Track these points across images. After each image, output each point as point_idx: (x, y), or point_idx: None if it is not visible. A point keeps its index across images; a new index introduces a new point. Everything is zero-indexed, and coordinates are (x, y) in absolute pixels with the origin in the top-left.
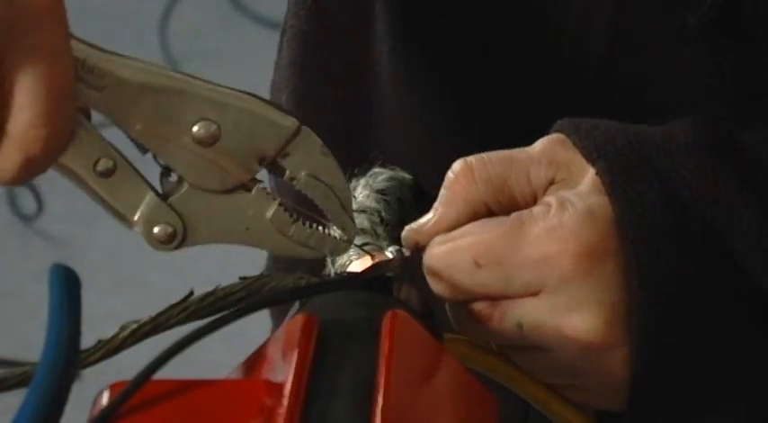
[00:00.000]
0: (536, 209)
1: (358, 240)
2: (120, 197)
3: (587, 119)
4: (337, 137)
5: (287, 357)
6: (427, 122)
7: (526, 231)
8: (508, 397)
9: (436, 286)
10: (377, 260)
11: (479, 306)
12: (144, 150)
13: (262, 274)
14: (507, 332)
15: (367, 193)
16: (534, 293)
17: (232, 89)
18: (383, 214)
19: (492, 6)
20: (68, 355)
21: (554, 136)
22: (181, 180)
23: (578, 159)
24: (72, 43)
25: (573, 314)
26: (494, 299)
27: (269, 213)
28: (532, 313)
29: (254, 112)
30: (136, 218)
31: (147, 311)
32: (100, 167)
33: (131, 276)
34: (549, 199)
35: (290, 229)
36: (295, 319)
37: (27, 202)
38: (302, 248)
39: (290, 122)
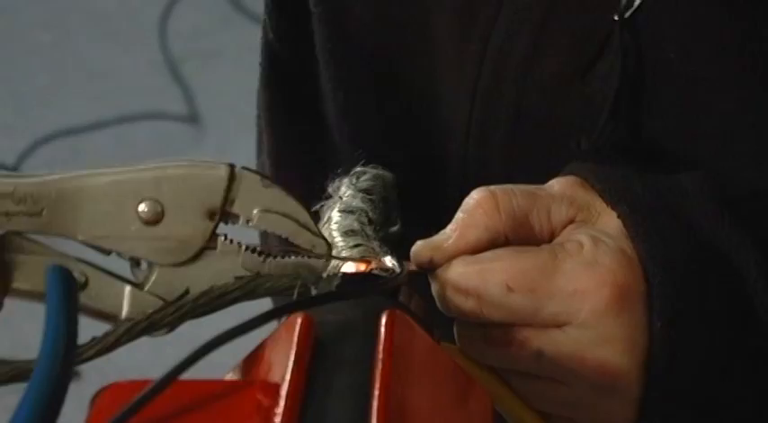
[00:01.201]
0: (568, 244)
1: (350, 241)
2: (102, 302)
3: (601, 166)
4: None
5: (284, 357)
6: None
7: (561, 264)
8: None
9: (461, 305)
10: (373, 264)
11: (499, 330)
12: (106, 252)
13: (257, 274)
14: (524, 359)
15: (352, 192)
16: (560, 325)
17: (159, 160)
18: (370, 214)
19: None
20: (66, 354)
21: (571, 178)
22: (151, 265)
23: (598, 202)
24: None
25: (599, 349)
26: (516, 325)
27: (240, 260)
28: (556, 345)
29: (185, 175)
30: (124, 315)
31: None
32: None
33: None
34: (580, 237)
35: (264, 268)
36: (292, 319)
37: None
38: (283, 280)
39: (222, 170)
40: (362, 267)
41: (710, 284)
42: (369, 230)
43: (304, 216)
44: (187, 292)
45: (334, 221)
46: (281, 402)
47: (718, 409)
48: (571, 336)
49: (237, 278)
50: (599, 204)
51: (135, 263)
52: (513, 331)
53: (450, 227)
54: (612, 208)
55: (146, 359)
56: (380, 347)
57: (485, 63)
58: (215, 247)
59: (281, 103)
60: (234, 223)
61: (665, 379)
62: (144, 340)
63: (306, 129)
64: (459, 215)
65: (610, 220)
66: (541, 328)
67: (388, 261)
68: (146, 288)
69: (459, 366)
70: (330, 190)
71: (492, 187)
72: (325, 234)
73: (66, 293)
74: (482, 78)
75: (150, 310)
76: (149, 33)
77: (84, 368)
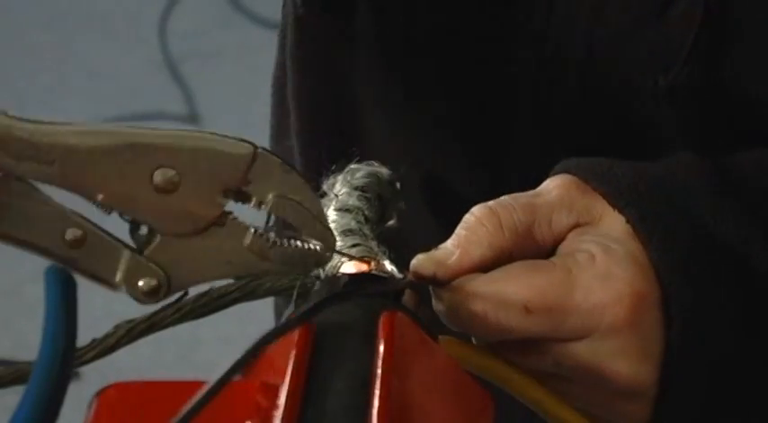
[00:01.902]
0: (579, 256)
1: (348, 241)
2: (96, 262)
3: (593, 159)
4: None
5: (283, 358)
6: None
7: (576, 279)
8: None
9: (477, 326)
10: (372, 266)
11: (517, 345)
12: (108, 210)
13: (257, 275)
14: (542, 367)
15: (347, 190)
16: (578, 338)
17: (180, 130)
18: (366, 212)
19: (474, 16)
20: (65, 355)
21: (566, 178)
22: (152, 231)
23: (598, 203)
24: (13, 123)
25: (618, 360)
26: (535, 340)
27: (246, 242)
28: (575, 357)
29: (207, 149)
30: (117, 279)
31: (144, 311)
32: (69, 238)
33: None
34: (590, 246)
35: (270, 253)
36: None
37: None
38: (287, 268)
39: (245, 149)
40: (364, 267)
41: (723, 282)
42: (366, 229)
43: (317, 207)
44: (186, 293)
45: (330, 220)
46: (281, 403)
47: (734, 406)
48: (589, 347)
49: (237, 278)
50: (600, 206)
51: (135, 226)
52: (531, 343)
53: (451, 242)
54: (620, 212)
55: (145, 360)
56: (380, 348)
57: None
58: (223, 225)
59: (311, 81)
60: (245, 203)
61: (683, 380)
62: (143, 341)
63: (337, 112)
64: (460, 232)
65: (614, 223)
66: (561, 342)
67: (388, 265)
68: (145, 253)
69: (459, 366)
70: (325, 187)
71: (491, 204)
72: None
73: (66, 294)
74: (554, 13)
75: (144, 278)
76: (149, 33)
77: (83, 368)
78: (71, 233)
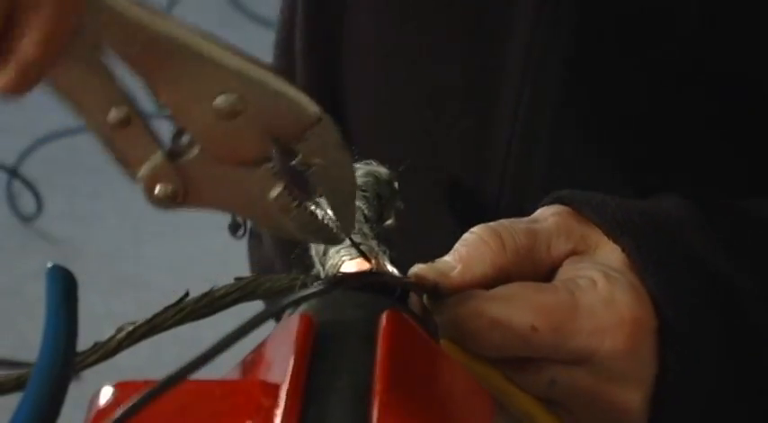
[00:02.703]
0: (581, 281)
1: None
2: (128, 148)
3: (585, 192)
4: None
5: (284, 357)
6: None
7: (579, 301)
8: None
9: (482, 339)
10: (373, 264)
11: (514, 360)
12: (162, 109)
13: (257, 275)
14: (536, 385)
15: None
16: (578, 360)
17: (263, 64)
18: (365, 211)
19: None
20: (65, 356)
21: (561, 208)
22: (192, 143)
23: (593, 233)
24: None
25: (612, 386)
26: (534, 358)
27: (273, 193)
28: (571, 378)
29: (280, 93)
30: (140, 173)
31: (145, 311)
32: (113, 115)
33: (129, 276)
34: (591, 272)
35: (291, 213)
36: (292, 320)
37: (26, 202)
38: (298, 232)
39: (315, 110)
40: (365, 266)
41: (716, 311)
42: (365, 228)
43: (353, 192)
44: (187, 294)
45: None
46: (282, 402)
47: None
48: (586, 371)
49: (237, 279)
50: (595, 235)
51: (179, 134)
52: (529, 359)
53: (451, 257)
54: (615, 241)
55: (145, 360)
56: (381, 347)
57: None
58: (258, 167)
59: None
60: (288, 157)
61: (675, 411)
62: (143, 341)
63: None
64: (460, 248)
65: (610, 252)
66: (559, 363)
67: (388, 265)
68: (176, 161)
69: (459, 366)
70: None
71: (492, 224)
72: None
73: (67, 294)
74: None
75: (165, 182)
76: None
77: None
78: (118, 112)
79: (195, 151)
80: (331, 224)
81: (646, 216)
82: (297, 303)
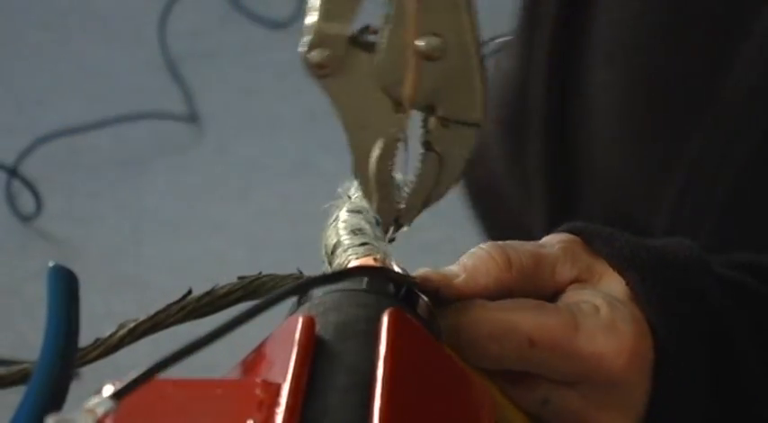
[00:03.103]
0: (583, 305)
1: (356, 240)
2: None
3: (596, 225)
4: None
5: (285, 356)
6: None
7: (580, 324)
8: None
9: (479, 349)
10: (378, 263)
11: (509, 373)
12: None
13: (260, 274)
14: (530, 402)
15: (361, 194)
16: (573, 382)
17: (477, 37)
18: (377, 215)
19: None
20: (66, 354)
21: (569, 236)
22: (370, 46)
23: (599, 264)
24: None
25: (603, 413)
26: (530, 373)
27: (384, 139)
28: (563, 399)
29: (473, 73)
30: (313, 25)
31: (145, 311)
32: None
33: (130, 276)
34: (594, 299)
35: (381, 166)
36: (293, 319)
37: (26, 201)
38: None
39: (479, 116)
40: (369, 261)
41: (715, 353)
42: (377, 231)
43: (434, 198)
44: (189, 292)
45: (341, 220)
46: (283, 401)
47: None
48: (581, 394)
49: (240, 278)
50: (600, 266)
51: (366, 29)
52: (524, 374)
53: (456, 267)
54: (620, 273)
55: (144, 358)
56: (382, 347)
57: None
58: (397, 109)
59: None
60: (420, 112)
61: None
62: (142, 340)
63: None
64: (466, 261)
65: (613, 284)
66: (554, 382)
67: (395, 266)
68: (349, 45)
69: (461, 366)
70: (340, 190)
71: (501, 243)
72: (333, 232)
73: (68, 293)
74: None
75: (319, 52)
76: (149, 33)
77: (82, 368)
78: None
79: (364, 55)
80: (401, 206)
81: (653, 252)
82: (296, 292)
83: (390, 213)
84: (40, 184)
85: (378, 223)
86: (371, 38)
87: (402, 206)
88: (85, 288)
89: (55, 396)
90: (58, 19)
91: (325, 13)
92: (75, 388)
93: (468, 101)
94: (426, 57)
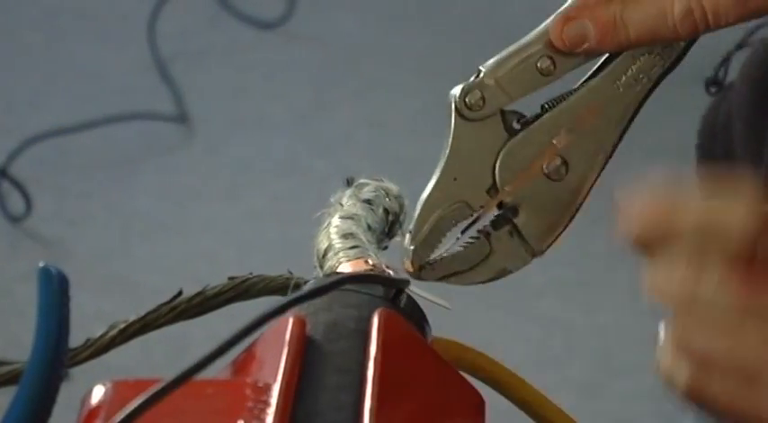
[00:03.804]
0: None
1: (347, 243)
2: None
3: None
4: None
5: (276, 357)
6: None
7: None
8: None
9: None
10: (368, 266)
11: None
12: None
13: (250, 275)
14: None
15: (354, 202)
16: None
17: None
18: (369, 221)
19: None
20: (57, 354)
21: None
22: (511, 129)
23: None
24: None
25: None
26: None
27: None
28: None
29: (567, 213)
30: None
31: (135, 311)
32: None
33: (120, 276)
34: None
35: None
36: (283, 319)
37: (16, 202)
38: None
39: (542, 249)
40: (360, 264)
41: None
42: (369, 237)
43: (474, 280)
44: (180, 293)
45: (333, 225)
46: (273, 401)
47: None
48: None
49: (230, 278)
50: None
51: (522, 120)
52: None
53: None
54: None
55: (134, 359)
56: (372, 347)
57: None
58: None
59: None
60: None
61: None
62: (133, 341)
63: None
64: None
65: None
66: None
67: (386, 268)
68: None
69: (450, 366)
70: (332, 199)
71: None
72: (325, 237)
73: (58, 293)
74: None
75: (479, 94)
76: (138, 33)
77: (72, 368)
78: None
79: (502, 130)
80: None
81: None
82: (301, 300)
83: (419, 258)
84: (30, 185)
85: (370, 228)
86: (516, 125)
87: (431, 262)
88: (76, 288)
89: (46, 396)
90: (48, 19)
91: (504, 68)
92: (65, 388)
93: (547, 231)
94: (546, 174)
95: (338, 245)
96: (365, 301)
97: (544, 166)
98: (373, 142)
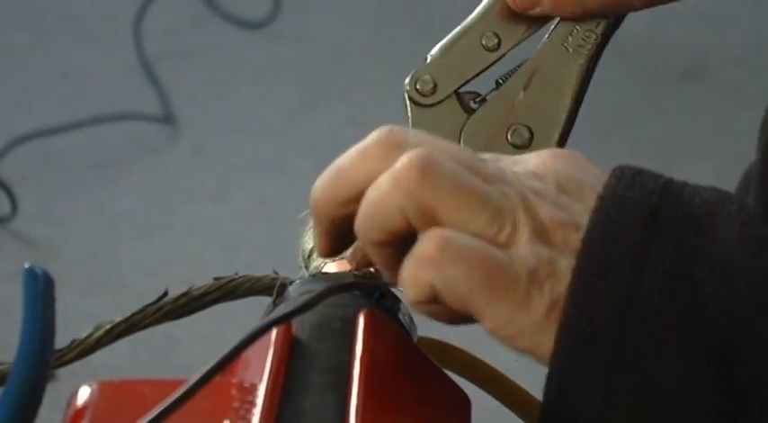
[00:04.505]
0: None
1: None
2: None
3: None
4: None
5: (261, 357)
6: None
7: None
8: None
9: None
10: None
11: None
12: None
13: (236, 275)
14: None
15: None
16: None
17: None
18: None
19: None
20: (43, 355)
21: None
22: (468, 108)
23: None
24: None
25: None
26: None
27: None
28: None
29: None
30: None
31: (121, 312)
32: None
33: (106, 277)
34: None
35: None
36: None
37: (1, 203)
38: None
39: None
40: (344, 265)
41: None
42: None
43: None
44: (166, 293)
45: None
46: (259, 402)
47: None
48: None
49: (216, 279)
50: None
51: (478, 98)
52: None
53: None
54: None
55: (121, 360)
56: (358, 347)
57: None
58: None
59: None
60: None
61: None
62: (119, 341)
63: None
64: None
65: None
66: None
67: (371, 268)
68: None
69: (436, 365)
70: None
71: None
72: (310, 237)
73: (43, 294)
74: None
75: (427, 76)
76: (124, 34)
77: (59, 369)
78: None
79: (459, 110)
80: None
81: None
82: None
83: None
84: (16, 186)
85: None
86: (473, 104)
87: None
88: (61, 289)
89: (32, 397)
90: (33, 19)
91: (450, 51)
92: (52, 389)
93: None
94: (510, 143)
95: None
96: (351, 301)
97: (508, 136)
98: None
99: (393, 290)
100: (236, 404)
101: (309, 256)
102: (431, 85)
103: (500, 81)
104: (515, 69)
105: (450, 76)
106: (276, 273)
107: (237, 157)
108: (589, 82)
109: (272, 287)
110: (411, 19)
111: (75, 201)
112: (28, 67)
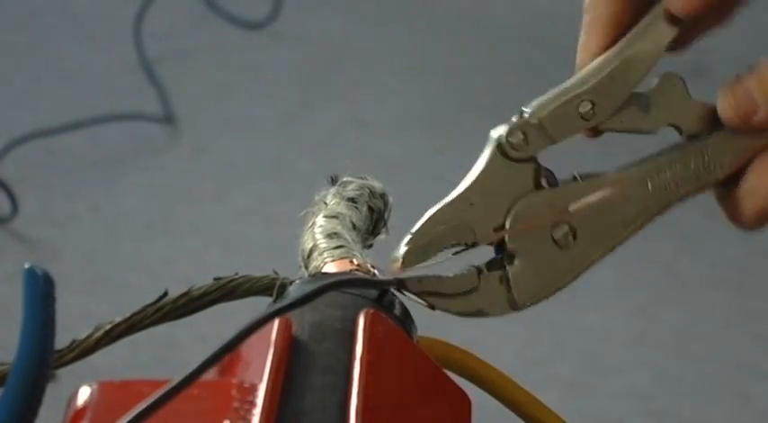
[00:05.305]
0: None
1: (332, 243)
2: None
3: None
4: None
5: (261, 357)
6: None
7: None
8: None
9: None
10: (354, 265)
11: None
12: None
13: (236, 275)
14: None
15: (338, 200)
16: None
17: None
18: (354, 220)
19: None
20: (43, 356)
21: None
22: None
23: None
24: None
25: None
26: None
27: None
28: None
29: (564, 278)
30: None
31: (121, 312)
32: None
33: (106, 277)
34: None
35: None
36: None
37: (1, 203)
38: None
39: (521, 306)
40: (345, 264)
41: None
42: (354, 235)
43: (447, 308)
44: (166, 293)
45: (318, 225)
46: (259, 402)
47: None
48: None
49: (216, 279)
50: None
51: (549, 180)
52: None
53: None
54: None
55: (121, 360)
56: (358, 347)
57: None
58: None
59: None
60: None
61: None
62: (119, 341)
63: None
64: None
65: None
66: None
67: (371, 268)
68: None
69: (437, 366)
70: (317, 198)
71: None
72: (309, 237)
73: (43, 294)
74: None
75: (520, 138)
76: (124, 34)
77: (59, 370)
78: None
79: (530, 177)
80: None
81: None
82: (303, 302)
83: (408, 261)
84: (16, 186)
85: (355, 227)
86: (544, 182)
87: (420, 278)
88: (61, 289)
89: (32, 398)
90: (33, 20)
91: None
92: (52, 389)
93: (535, 291)
94: (552, 237)
95: (323, 245)
96: (351, 301)
97: (553, 231)
98: (359, 142)
99: (393, 290)
100: (236, 404)
101: (309, 256)
102: (522, 141)
103: (576, 176)
104: (595, 174)
105: (543, 135)
106: (276, 273)
107: (238, 158)
108: (647, 225)
109: (272, 287)
110: (411, 19)
111: (76, 201)
112: (28, 68)
